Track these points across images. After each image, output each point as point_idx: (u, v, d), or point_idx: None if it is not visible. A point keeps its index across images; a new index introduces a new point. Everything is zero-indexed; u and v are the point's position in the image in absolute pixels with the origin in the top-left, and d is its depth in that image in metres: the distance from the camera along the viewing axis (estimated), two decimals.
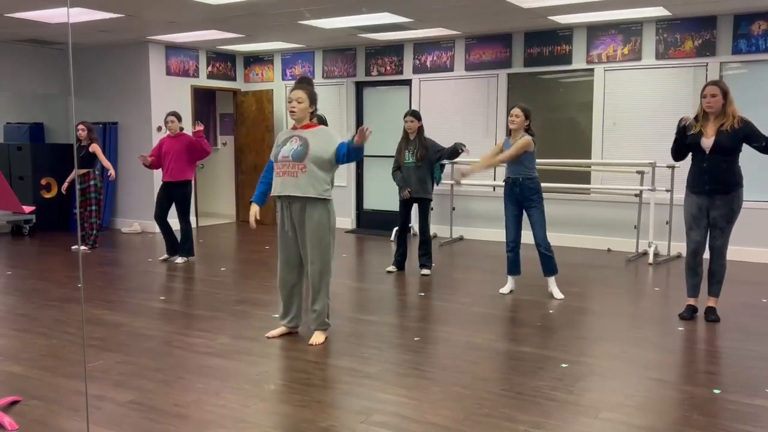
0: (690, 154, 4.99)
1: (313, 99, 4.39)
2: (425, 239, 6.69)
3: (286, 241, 4.47)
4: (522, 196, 5.63)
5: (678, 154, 5.07)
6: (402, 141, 6.69)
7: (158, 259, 7.55)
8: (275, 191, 4.39)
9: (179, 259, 7.41)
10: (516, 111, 5.58)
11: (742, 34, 7.29)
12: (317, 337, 4.50)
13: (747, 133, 4.76)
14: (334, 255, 4.57)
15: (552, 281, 5.77)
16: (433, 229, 9.07)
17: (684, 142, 4.95)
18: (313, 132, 4.35)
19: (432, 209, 8.94)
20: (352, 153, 4.27)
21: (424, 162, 6.53)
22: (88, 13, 7.17)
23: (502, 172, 8.63)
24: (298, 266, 4.52)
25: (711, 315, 5.01)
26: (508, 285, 5.92)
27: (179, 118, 7.34)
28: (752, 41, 7.25)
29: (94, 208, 8.14)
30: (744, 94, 7.13)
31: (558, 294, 5.72)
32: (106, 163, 7.98)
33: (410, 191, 6.56)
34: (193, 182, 7.50)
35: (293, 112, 4.33)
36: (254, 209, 4.52)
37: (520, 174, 5.60)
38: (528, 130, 5.61)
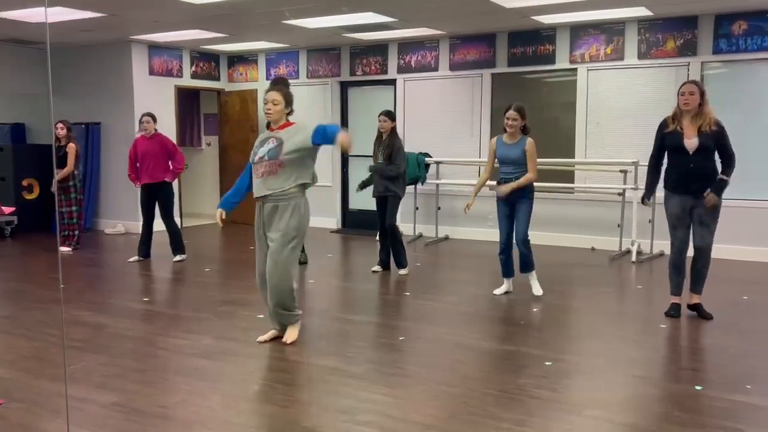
0: (669, 154, 5.03)
1: (288, 100, 4.36)
2: (393, 234, 6.67)
3: (261, 240, 4.41)
4: (514, 197, 5.55)
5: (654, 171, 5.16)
6: (375, 140, 6.69)
7: (128, 260, 7.48)
8: (256, 193, 4.35)
9: (177, 257, 7.40)
10: (512, 114, 5.48)
11: (723, 34, 7.36)
12: (291, 333, 4.44)
13: (718, 139, 4.82)
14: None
15: (532, 276, 5.76)
16: (419, 228, 9.10)
17: (661, 152, 5.04)
18: (286, 130, 4.33)
19: (417, 208, 9.02)
20: (328, 135, 4.17)
21: (392, 161, 6.53)
22: (69, 12, 7.10)
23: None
24: None
25: (703, 312, 5.05)
26: (504, 286, 5.83)
27: (154, 119, 7.29)
28: (733, 41, 7.32)
29: (74, 208, 8.05)
30: (725, 93, 7.22)
31: (537, 290, 5.72)
32: (70, 166, 7.81)
33: (375, 190, 6.70)
34: (172, 183, 7.47)
35: (269, 113, 4.31)
36: (218, 213, 4.50)
37: (513, 175, 5.53)
38: (524, 129, 5.57)
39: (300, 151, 4.23)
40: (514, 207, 5.62)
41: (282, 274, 4.29)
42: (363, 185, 6.97)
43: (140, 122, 7.32)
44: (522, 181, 5.49)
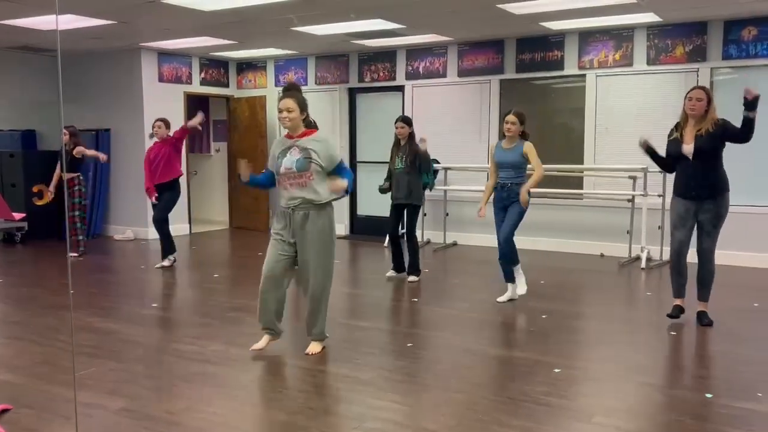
0: (674, 161, 5.02)
1: (303, 106, 4.27)
2: (412, 245, 6.68)
3: (280, 249, 4.32)
4: (509, 201, 5.57)
5: (666, 167, 5.21)
6: (393, 147, 6.73)
7: (155, 266, 7.44)
8: (284, 203, 4.29)
9: (166, 262, 7.37)
10: (511, 118, 5.51)
11: (733, 39, 7.33)
12: (314, 347, 4.40)
13: (723, 131, 4.77)
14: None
15: (517, 270, 5.70)
16: (427, 234, 9.08)
17: (661, 155, 5.08)
18: (309, 139, 4.25)
19: (425, 215, 9.00)
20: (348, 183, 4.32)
21: (414, 168, 6.55)
22: (79, 20, 7.16)
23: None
24: (286, 276, 4.39)
25: (704, 319, 5.00)
26: (508, 293, 5.78)
27: (167, 125, 7.36)
28: (742, 47, 7.30)
29: (77, 213, 8.07)
30: (734, 99, 7.15)
31: (522, 288, 5.71)
32: (94, 154, 8.02)
33: (394, 196, 6.70)
34: (180, 180, 7.48)
35: (286, 122, 4.22)
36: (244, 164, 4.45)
37: (510, 179, 5.55)
38: (523, 135, 5.58)
39: (326, 170, 4.26)
40: (508, 210, 5.63)
41: (325, 280, 4.32)
42: (384, 191, 6.89)
43: (152, 127, 7.41)
44: (532, 181, 5.48)
